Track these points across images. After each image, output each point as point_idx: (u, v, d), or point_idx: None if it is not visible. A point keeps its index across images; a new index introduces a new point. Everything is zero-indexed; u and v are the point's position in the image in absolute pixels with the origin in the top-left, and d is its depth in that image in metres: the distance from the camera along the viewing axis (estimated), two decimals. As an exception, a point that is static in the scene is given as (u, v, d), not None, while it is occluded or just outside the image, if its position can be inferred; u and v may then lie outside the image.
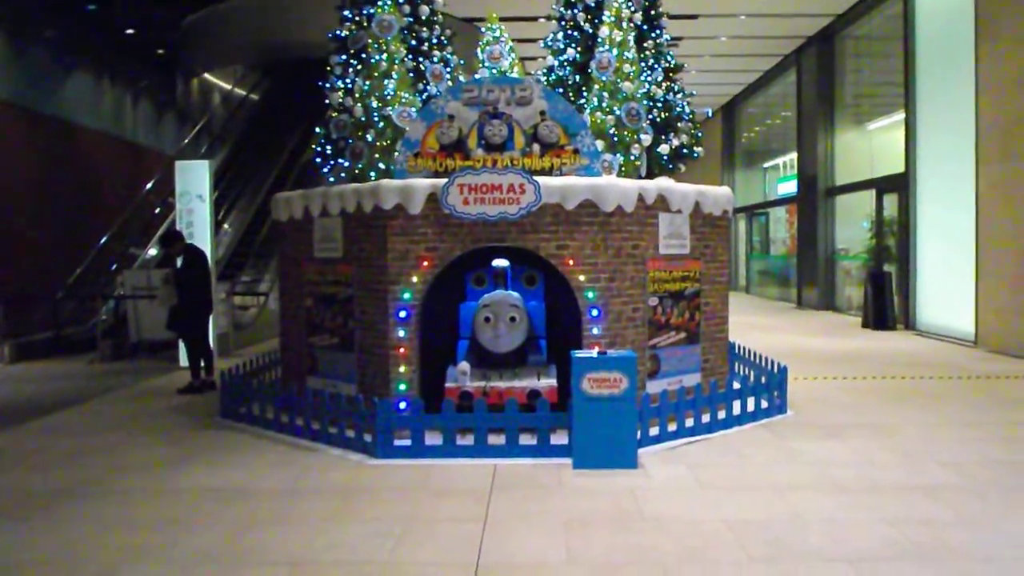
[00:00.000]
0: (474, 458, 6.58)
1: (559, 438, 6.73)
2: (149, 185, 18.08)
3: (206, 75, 21.10)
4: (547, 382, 7.11)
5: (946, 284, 14.23)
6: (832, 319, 17.83)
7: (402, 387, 7.30)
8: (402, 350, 7.31)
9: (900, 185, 15.73)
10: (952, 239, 13.85)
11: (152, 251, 16.41)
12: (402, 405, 7.12)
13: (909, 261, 15.35)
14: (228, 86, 21.44)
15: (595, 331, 7.31)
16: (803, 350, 12.77)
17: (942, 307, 14.41)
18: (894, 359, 11.78)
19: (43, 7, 19.49)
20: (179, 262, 10.22)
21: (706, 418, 7.40)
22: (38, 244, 18.30)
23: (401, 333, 7.30)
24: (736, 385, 8.15)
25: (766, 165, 27.05)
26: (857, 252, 18.32)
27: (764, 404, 8.05)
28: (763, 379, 8.34)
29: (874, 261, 16.21)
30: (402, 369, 7.31)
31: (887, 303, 15.40)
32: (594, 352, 6.66)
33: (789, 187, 23.33)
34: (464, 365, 7.13)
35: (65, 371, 12.18)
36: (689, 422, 7.30)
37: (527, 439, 6.72)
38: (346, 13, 9.84)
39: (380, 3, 8.74)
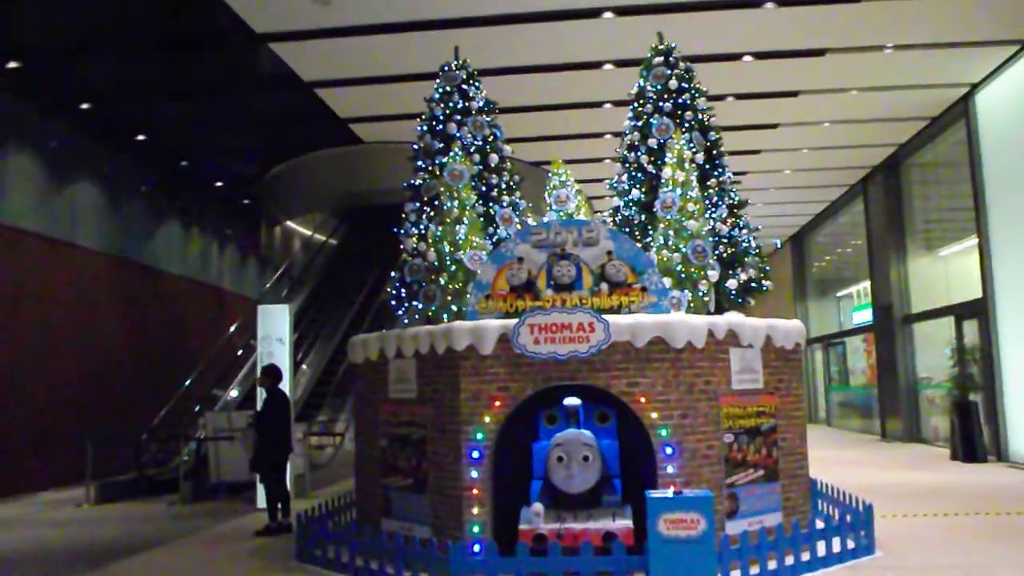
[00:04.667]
0: (549, 603, 6.45)
1: (636, 582, 6.56)
2: (232, 328, 18.77)
3: (288, 222, 22.12)
4: (623, 523, 6.99)
5: (1038, 413, 13.66)
6: (918, 451, 17.15)
7: (476, 529, 7.25)
8: (475, 491, 7.30)
9: (979, 311, 15.38)
10: (1040, 365, 13.39)
11: (233, 392, 16.85)
12: (476, 548, 7.05)
13: (996, 388, 14.82)
14: (308, 232, 22.42)
15: (670, 469, 7.22)
16: (889, 485, 12.27)
17: (1036, 437, 13.78)
18: (987, 493, 11.23)
19: (138, 162, 20.91)
20: (260, 401, 10.53)
21: (789, 560, 7.13)
22: (125, 386, 18.98)
23: (474, 474, 7.32)
24: (820, 524, 7.87)
25: (839, 294, 26.76)
26: (940, 380, 17.76)
27: (851, 544, 7.71)
28: (848, 517, 8.03)
29: (959, 390, 15.69)
30: (475, 511, 7.29)
31: (975, 433, 14.79)
32: (670, 492, 6.56)
33: (864, 316, 22.98)
34: (538, 506, 7.07)
35: (147, 512, 12.39)
36: (772, 564, 7.03)
37: (603, 583, 6.56)
38: (419, 163, 10.33)
39: (451, 154, 9.20)
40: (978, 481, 12.46)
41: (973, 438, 14.76)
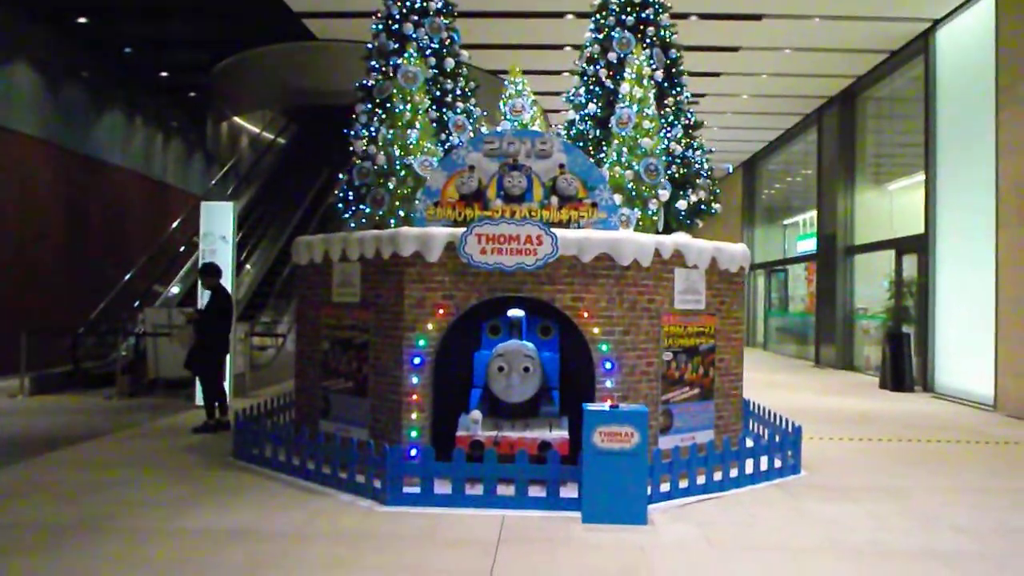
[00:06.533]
0: (483, 508, 6.57)
1: (569, 491, 6.70)
2: (175, 224, 18.37)
3: (236, 118, 21.50)
4: (559, 434, 7.11)
5: (965, 346, 14.12)
6: (850, 378, 17.70)
7: (414, 434, 7.31)
8: (415, 397, 7.34)
9: (920, 246, 15.71)
10: (972, 301, 13.77)
11: (175, 289, 16.60)
12: (413, 452, 7.12)
13: (928, 322, 15.26)
14: (257, 130, 21.83)
15: (608, 384, 7.32)
16: (819, 409, 12.67)
17: (961, 370, 14.28)
18: (911, 421, 11.67)
19: (80, 48, 20.03)
20: (205, 298, 10.41)
21: (718, 476, 7.35)
22: (63, 278, 18.57)
23: (415, 380, 7.34)
24: (749, 443, 8.10)
25: (786, 222, 27.09)
26: (876, 312, 18.23)
27: (778, 464, 7.98)
28: (777, 438, 8.28)
29: (893, 321, 16.12)
30: (414, 416, 7.33)
31: (905, 364, 15.27)
32: (606, 405, 6.66)
33: (808, 245, 23.33)
34: (476, 414, 7.14)
35: (82, 405, 12.28)
36: (701, 479, 7.25)
37: (537, 491, 6.69)
38: (373, 63, 10.05)
39: (406, 55, 8.94)
40: (904, 409, 12.93)
41: (903, 368, 15.24)
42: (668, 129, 9.60)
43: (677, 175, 9.48)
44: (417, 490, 6.71)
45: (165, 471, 7.81)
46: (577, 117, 10.02)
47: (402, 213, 8.53)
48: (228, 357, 10.90)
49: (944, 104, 15.29)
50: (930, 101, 15.55)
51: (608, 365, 7.31)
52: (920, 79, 16.06)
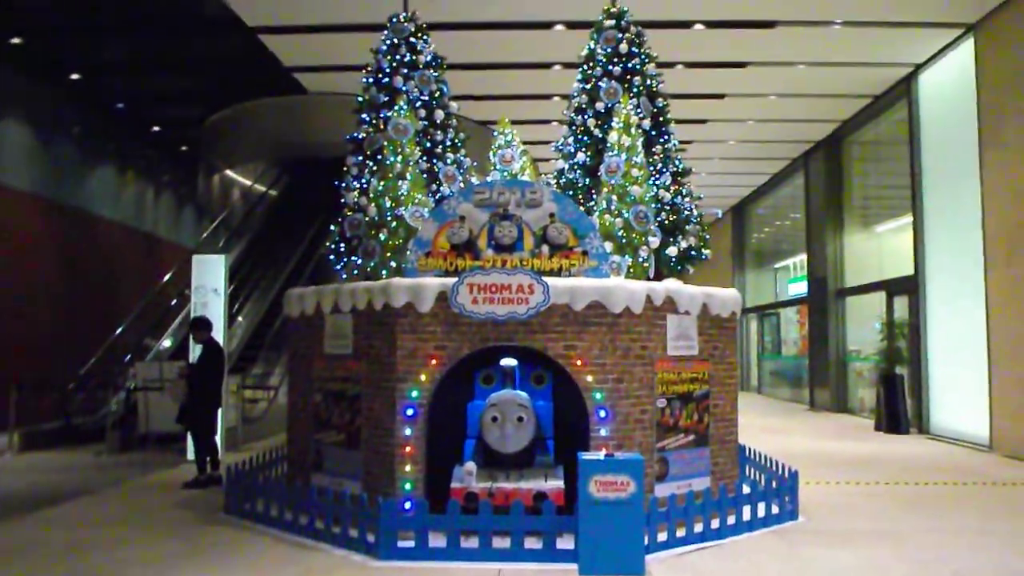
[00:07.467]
0: (478, 561, 6.48)
1: (565, 542, 6.62)
2: (166, 277, 18.35)
3: (227, 171, 21.62)
4: (554, 484, 7.05)
5: (959, 387, 14.10)
6: (844, 421, 17.63)
7: (408, 486, 7.24)
8: (408, 449, 7.28)
9: (910, 287, 15.78)
10: (964, 341, 13.80)
11: (166, 343, 16.53)
12: (407, 505, 7.04)
13: (921, 363, 15.26)
14: (248, 182, 21.94)
15: (603, 432, 7.28)
16: (815, 453, 12.61)
17: (955, 411, 14.25)
18: (907, 464, 11.61)
19: (73, 103, 20.19)
20: (196, 351, 10.35)
21: (715, 523, 7.28)
22: (53, 332, 18.48)
23: (408, 431, 7.29)
24: (746, 489, 8.04)
25: (776, 266, 27.21)
26: (869, 354, 18.24)
27: (775, 510, 7.92)
28: (774, 484, 8.22)
29: (886, 363, 16.12)
30: (408, 468, 7.27)
31: (900, 406, 15.24)
32: (601, 454, 6.62)
33: (799, 288, 23.42)
34: (470, 465, 7.09)
35: (73, 461, 12.14)
36: (698, 527, 7.18)
37: (533, 542, 6.62)
38: (363, 116, 10.15)
39: (396, 107, 9.04)
40: (900, 452, 12.87)
41: (897, 410, 15.20)
42: (657, 176, 9.68)
43: (667, 222, 9.54)
44: (411, 544, 6.63)
45: (156, 528, 7.70)
46: (566, 166, 10.09)
47: (393, 264, 8.55)
48: (220, 411, 10.81)
49: (929, 147, 15.47)
50: (915, 144, 15.74)
51: (602, 413, 7.29)
52: (904, 123, 16.27)
